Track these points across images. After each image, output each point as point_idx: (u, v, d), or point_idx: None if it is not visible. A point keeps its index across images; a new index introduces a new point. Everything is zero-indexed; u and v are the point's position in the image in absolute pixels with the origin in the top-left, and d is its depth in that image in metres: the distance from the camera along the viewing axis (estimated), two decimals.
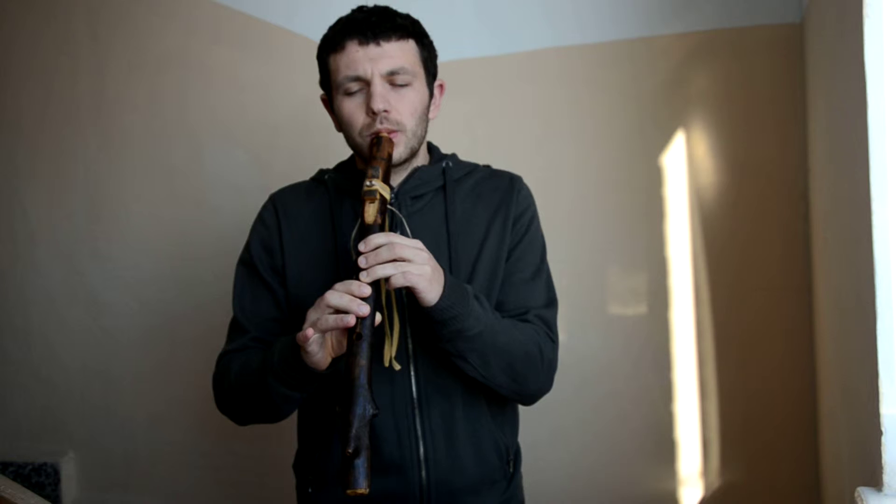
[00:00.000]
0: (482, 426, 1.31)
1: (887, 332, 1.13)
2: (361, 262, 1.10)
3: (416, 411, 1.27)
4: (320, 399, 1.32)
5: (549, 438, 2.05)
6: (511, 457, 1.36)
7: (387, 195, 1.17)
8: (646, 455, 2.04)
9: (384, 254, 1.10)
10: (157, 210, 2.30)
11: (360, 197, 1.15)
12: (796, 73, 1.92)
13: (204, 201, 2.27)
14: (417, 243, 1.13)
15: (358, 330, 1.07)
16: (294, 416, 1.39)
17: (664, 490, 2.02)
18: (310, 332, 1.09)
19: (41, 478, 2.31)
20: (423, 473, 1.26)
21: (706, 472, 2.00)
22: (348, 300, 1.08)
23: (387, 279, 1.10)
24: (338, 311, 1.09)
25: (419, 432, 1.26)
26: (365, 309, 1.07)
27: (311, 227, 1.34)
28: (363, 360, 1.06)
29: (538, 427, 1.86)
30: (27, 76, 2.38)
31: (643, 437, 2.03)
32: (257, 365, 1.23)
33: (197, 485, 2.30)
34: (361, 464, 1.02)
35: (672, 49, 2.00)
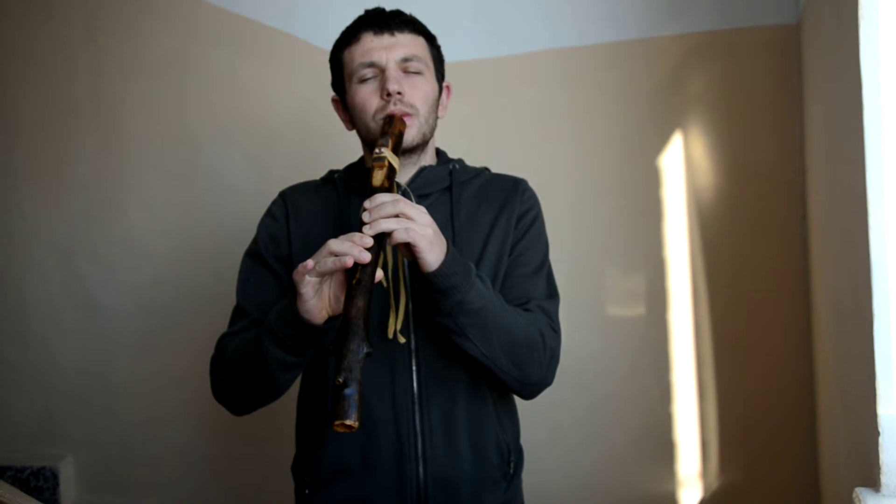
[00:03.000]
0: (484, 424, 1.31)
1: (884, 333, 1.13)
2: (365, 216, 1.10)
3: (416, 406, 1.27)
4: (317, 400, 1.32)
5: (547, 439, 2.05)
6: (512, 458, 1.36)
7: (396, 165, 1.19)
8: (644, 456, 2.04)
9: (388, 208, 1.10)
10: (156, 212, 2.31)
11: (368, 195, 1.15)
12: (793, 73, 1.92)
13: (202, 204, 2.27)
14: (422, 208, 1.14)
15: (358, 276, 1.07)
16: (293, 420, 1.40)
17: (663, 491, 2.02)
18: (309, 262, 1.09)
19: (39, 482, 2.31)
20: (421, 469, 1.26)
21: (705, 473, 2.01)
22: (349, 246, 1.08)
23: (389, 235, 1.10)
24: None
25: (418, 427, 1.27)
26: (366, 256, 1.07)
27: (319, 221, 1.35)
28: (360, 303, 1.05)
29: (536, 428, 1.86)
30: (25, 78, 2.38)
31: (642, 439, 2.04)
32: (254, 334, 1.24)
33: (196, 488, 2.30)
34: (351, 395, 0.98)
35: (669, 50, 2.00)
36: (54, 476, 2.31)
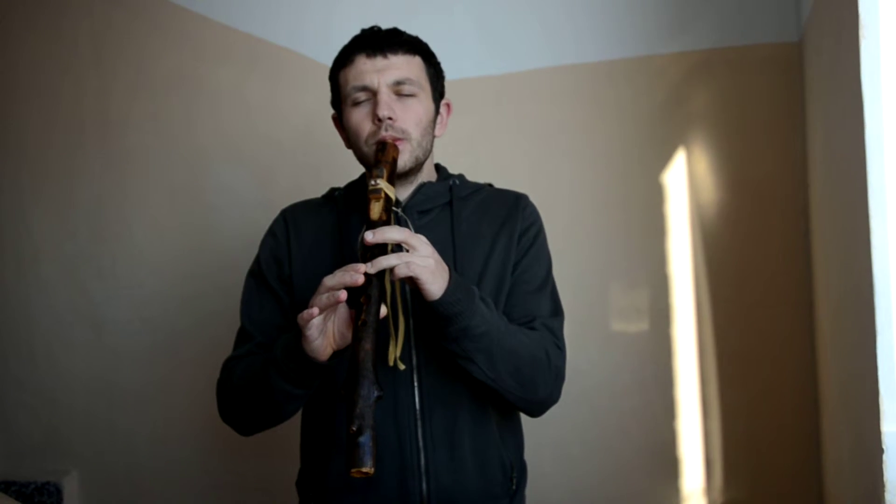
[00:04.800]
0: (487, 440, 1.31)
1: (887, 349, 1.14)
2: (368, 236, 1.10)
3: (419, 421, 1.27)
4: (322, 416, 1.33)
5: (551, 455, 2.05)
6: (515, 473, 1.36)
7: (392, 195, 1.19)
8: (649, 472, 2.03)
9: (390, 234, 1.11)
10: (161, 228, 2.32)
11: (366, 229, 1.16)
12: (795, 91, 1.94)
13: (208, 220, 2.29)
14: (422, 238, 1.15)
15: (363, 317, 1.07)
16: (298, 435, 1.40)
17: None
18: (315, 310, 1.10)
19: (44, 497, 2.30)
20: (424, 484, 1.27)
21: (709, 489, 2.00)
22: (341, 275, 1.09)
23: (391, 270, 1.11)
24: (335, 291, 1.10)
25: (421, 442, 1.27)
26: (359, 278, 1.08)
27: (319, 239, 1.36)
28: (368, 345, 1.06)
29: (540, 443, 1.86)
30: (32, 97, 2.40)
31: (646, 454, 2.03)
32: (260, 363, 1.25)
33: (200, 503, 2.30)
34: (366, 442, 1.00)
35: (671, 68, 2.02)
36: (58, 491, 2.30)
